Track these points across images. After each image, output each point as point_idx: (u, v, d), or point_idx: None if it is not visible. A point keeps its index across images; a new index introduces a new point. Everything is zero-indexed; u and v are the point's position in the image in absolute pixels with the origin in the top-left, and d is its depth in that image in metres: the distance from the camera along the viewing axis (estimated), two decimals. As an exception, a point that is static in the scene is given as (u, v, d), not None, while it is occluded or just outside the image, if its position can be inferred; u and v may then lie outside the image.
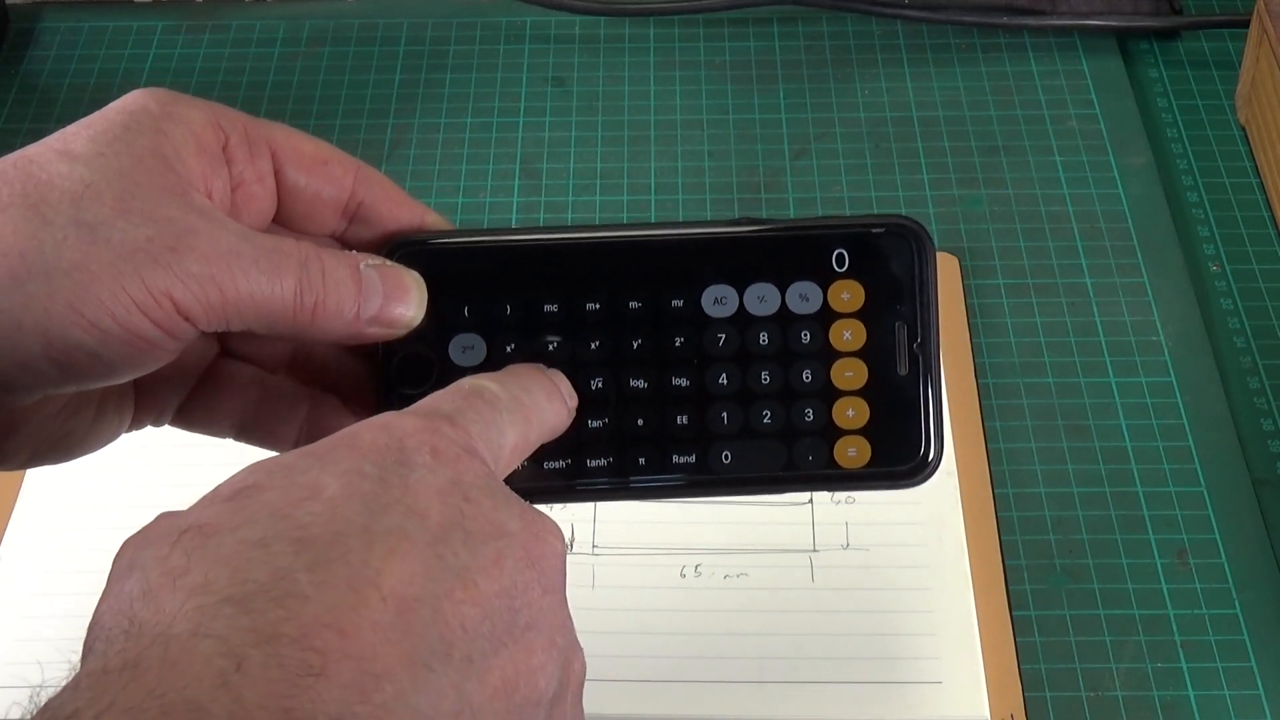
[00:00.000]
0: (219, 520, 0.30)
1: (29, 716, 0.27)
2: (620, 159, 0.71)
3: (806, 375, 0.40)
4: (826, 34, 0.77)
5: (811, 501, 0.57)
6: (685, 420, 0.40)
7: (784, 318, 0.40)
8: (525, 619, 0.31)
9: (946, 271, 0.65)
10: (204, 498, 0.32)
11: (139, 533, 0.31)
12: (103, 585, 0.30)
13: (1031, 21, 0.76)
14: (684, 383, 0.40)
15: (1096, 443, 0.59)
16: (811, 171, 0.70)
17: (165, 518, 0.31)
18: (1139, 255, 0.66)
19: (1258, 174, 0.70)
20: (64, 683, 0.28)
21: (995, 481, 0.58)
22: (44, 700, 0.27)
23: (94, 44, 0.77)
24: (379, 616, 0.28)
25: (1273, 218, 0.68)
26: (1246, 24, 0.71)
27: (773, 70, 0.75)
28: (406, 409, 0.35)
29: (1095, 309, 0.64)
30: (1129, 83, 0.74)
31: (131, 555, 0.30)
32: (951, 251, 0.66)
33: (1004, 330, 0.63)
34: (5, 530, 0.56)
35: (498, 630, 0.31)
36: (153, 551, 0.30)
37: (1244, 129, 0.72)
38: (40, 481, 0.58)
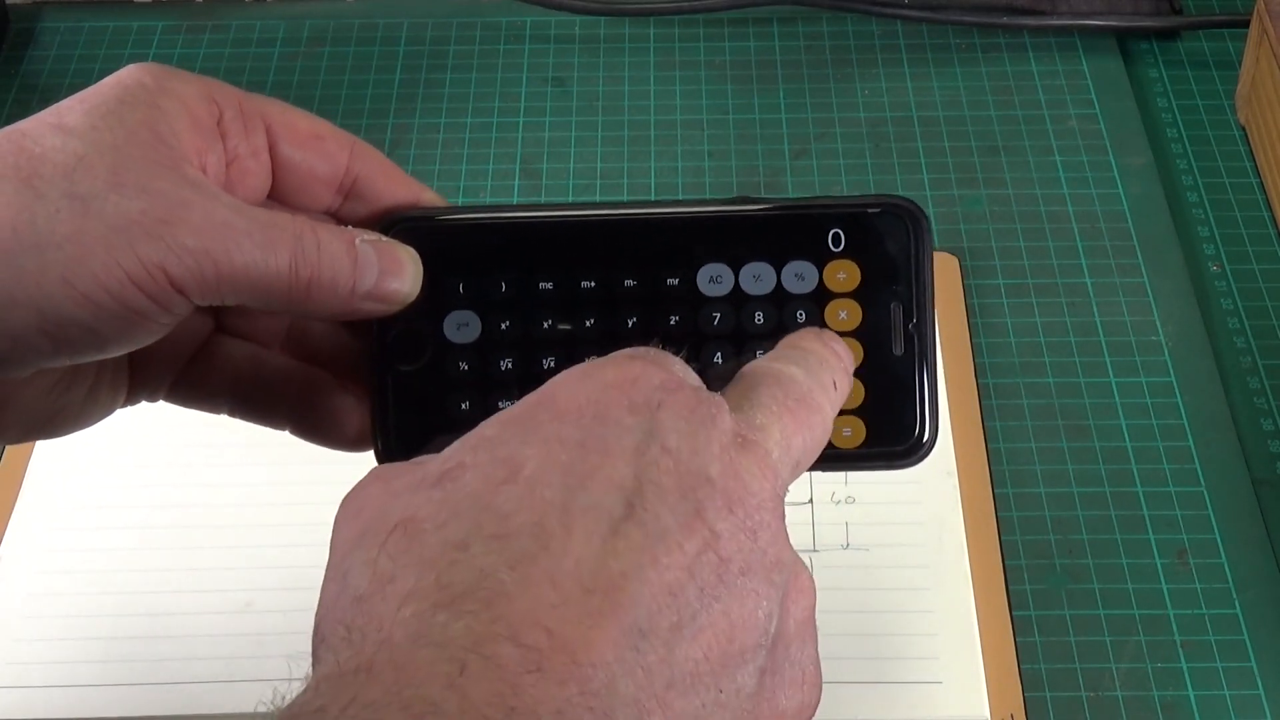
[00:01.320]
0: (424, 514, 0.30)
1: (274, 714, 0.28)
2: (620, 159, 0.71)
3: None
4: (826, 34, 0.77)
5: (812, 501, 0.57)
6: None
7: (779, 297, 0.40)
8: (737, 566, 0.31)
9: (946, 271, 0.65)
10: (415, 474, 0.32)
11: (355, 514, 0.32)
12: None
13: (1031, 21, 0.76)
14: None
15: (1096, 443, 0.59)
16: (811, 171, 0.70)
17: (378, 494, 0.32)
18: (1139, 255, 0.66)
19: (1258, 174, 0.70)
20: (303, 687, 0.28)
21: (995, 481, 0.58)
22: (286, 701, 0.28)
23: (94, 44, 0.77)
24: (583, 605, 0.29)
25: (1273, 218, 0.68)
26: (1246, 24, 0.71)
27: (773, 70, 0.76)
28: (616, 353, 0.34)
29: (1095, 309, 0.64)
30: (1129, 83, 0.74)
31: (344, 554, 0.31)
32: (951, 251, 0.66)
33: (1004, 330, 0.63)
34: (5, 531, 0.56)
35: (707, 586, 0.30)
36: (362, 554, 0.30)
37: (1244, 129, 0.72)
38: (40, 482, 0.58)
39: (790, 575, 0.33)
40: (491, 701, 0.27)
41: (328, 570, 0.32)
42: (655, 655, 0.29)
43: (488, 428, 0.32)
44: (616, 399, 0.32)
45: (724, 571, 0.30)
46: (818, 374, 0.35)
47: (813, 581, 0.34)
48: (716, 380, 0.35)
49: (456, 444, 0.32)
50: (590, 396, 0.32)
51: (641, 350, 0.34)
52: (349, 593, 0.30)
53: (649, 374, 0.33)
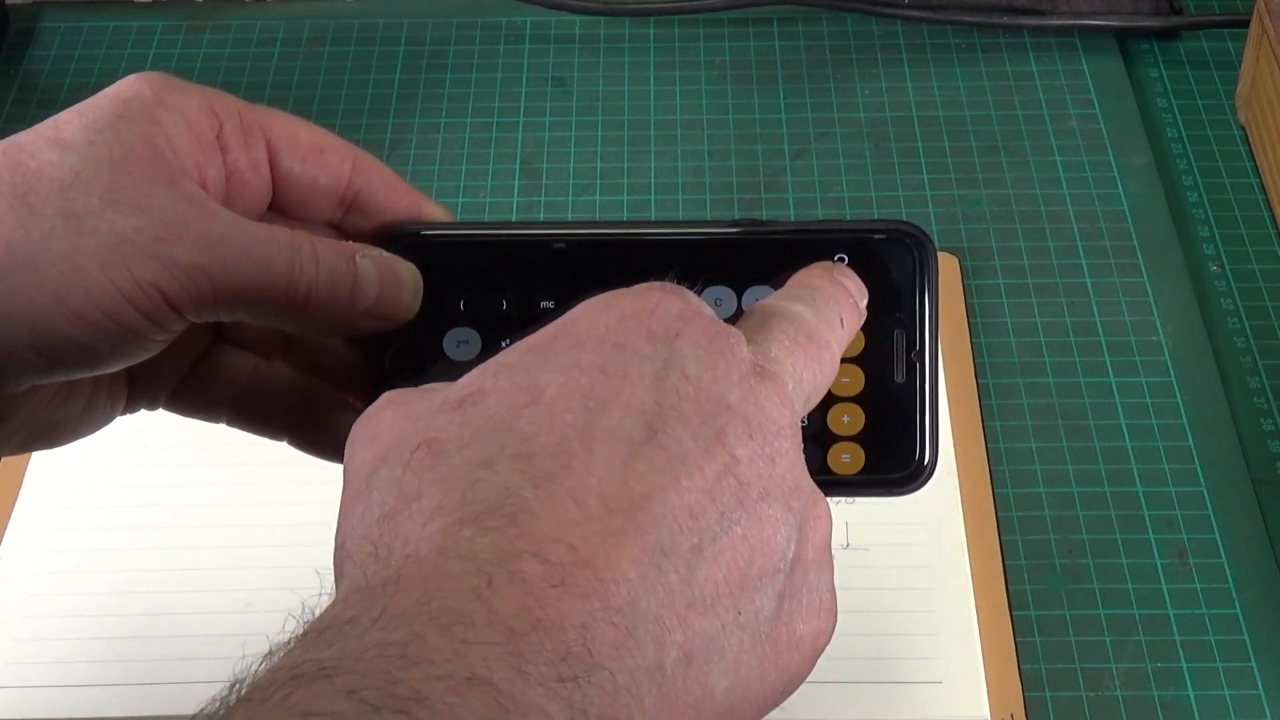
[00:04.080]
0: (446, 435, 0.31)
1: (301, 628, 0.28)
2: (620, 159, 0.71)
3: None
4: (826, 34, 0.77)
5: (811, 501, 0.57)
6: None
7: None
8: (757, 490, 0.31)
9: (946, 271, 0.65)
10: (436, 397, 0.32)
11: (372, 437, 0.32)
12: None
13: (1031, 21, 0.76)
14: None
15: (1096, 443, 0.59)
16: (811, 171, 0.70)
17: (396, 418, 0.32)
18: (1139, 255, 0.66)
19: (1258, 174, 0.70)
20: (330, 601, 0.29)
21: (995, 481, 0.58)
22: (314, 614, 0.28)
23: (94, 44, 0.77)
24: (605, 524, 0.29)
25: (1273, 218, 0.68)
26: (1246, 24, 0.71)
27: (773, 70, 0.76)
28: (636, 286, 0.34)
29: (1095, 309, 0.64)
30: (1129, 83, 0.74)
31: (367, 475, 0.31)
32: (951, 251, 0.66)
33: (1004, 330, 0.63)
34: (5, 531, 0.56)
35: (727, 509, 0.30)
36: (386, 473, 0.30)
37: (1244, 129, 0.72)
38: (40, 483, 0.58)
39: (808, 503, 0.33)
40: (518, 614, 0.27)
41: (346, 491, 0.32)
42: (676, 575, 0.29)
43: (507, 355, 0.33)
44: (635, 328, 0.32)
45: (744, 496, 0.31)
46: (824, 312, 0.36)
47: (829, 509, 0.34)
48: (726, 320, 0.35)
49: (475, 371, 0.32)
50: (609, 325, 0.32)
51: (659, 283, 0.34)
52: (374, 510, 0.30)
53: (667, 303, 0.33)
